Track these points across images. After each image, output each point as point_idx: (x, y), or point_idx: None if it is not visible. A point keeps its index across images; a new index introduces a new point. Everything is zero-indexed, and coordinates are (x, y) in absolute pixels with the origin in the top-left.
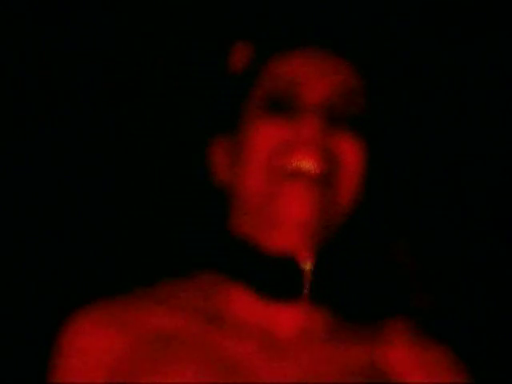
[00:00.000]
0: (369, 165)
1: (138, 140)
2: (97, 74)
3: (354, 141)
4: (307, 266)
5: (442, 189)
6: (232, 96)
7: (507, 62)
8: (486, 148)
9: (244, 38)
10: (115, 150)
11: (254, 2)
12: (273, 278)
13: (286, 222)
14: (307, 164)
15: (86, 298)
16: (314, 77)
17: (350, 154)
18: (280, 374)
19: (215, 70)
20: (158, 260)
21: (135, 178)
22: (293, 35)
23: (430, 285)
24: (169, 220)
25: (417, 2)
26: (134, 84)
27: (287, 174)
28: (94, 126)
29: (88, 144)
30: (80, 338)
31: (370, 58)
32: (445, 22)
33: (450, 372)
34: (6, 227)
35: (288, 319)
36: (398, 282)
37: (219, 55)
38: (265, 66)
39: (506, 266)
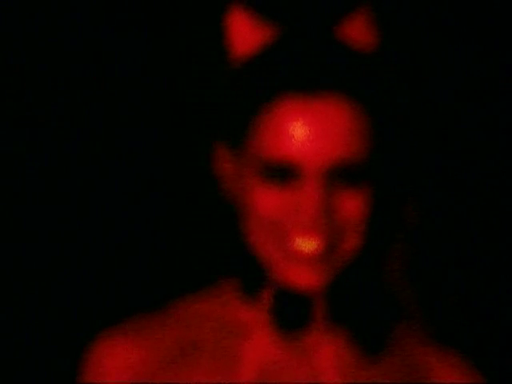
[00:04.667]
0: (376, 206)
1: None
2: (96, 74)
3: (357, 195)
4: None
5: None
6: (235, 107)
7: None
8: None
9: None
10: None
11: None
12: (287, 306)
13: (295, 286)
14: (309, 245)
15: (111, 318)
16: (312, 150)
17: (354, 210)
18: (309, 373)
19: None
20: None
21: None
22: (287, 78)
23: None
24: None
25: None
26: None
27: (291, 252)
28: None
29: (91, 156)
30: (102, 361)
31: (374, 94)
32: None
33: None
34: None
35: (311, 330)
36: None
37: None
38: (260, 110)
39: None
